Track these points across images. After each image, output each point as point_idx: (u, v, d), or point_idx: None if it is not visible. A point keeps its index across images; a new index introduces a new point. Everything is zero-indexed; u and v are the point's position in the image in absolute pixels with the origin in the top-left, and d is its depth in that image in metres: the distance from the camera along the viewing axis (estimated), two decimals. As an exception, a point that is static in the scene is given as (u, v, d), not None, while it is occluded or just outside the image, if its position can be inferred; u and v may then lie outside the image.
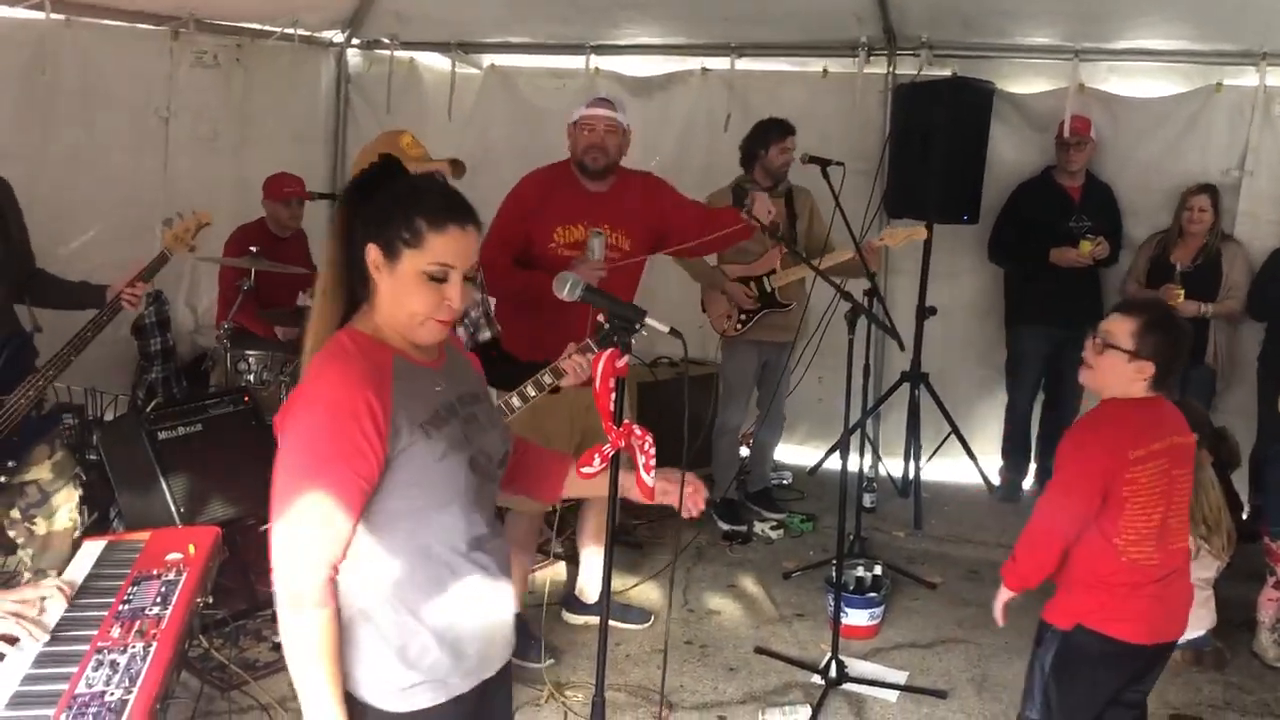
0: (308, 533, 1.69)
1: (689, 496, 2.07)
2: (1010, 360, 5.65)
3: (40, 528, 3.51)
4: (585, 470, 2.06)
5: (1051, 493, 2.68)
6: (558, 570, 4.61)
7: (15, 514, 3.49)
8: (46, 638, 2.13)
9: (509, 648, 2.00)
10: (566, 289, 2.08)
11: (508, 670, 2.02)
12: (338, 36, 6.22)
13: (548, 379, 2.70)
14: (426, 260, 1.73)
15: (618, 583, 4.36)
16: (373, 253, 1.75)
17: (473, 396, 1.95)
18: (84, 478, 3.76)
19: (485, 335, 3.13)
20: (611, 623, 3.99)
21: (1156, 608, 2.64)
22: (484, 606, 1.88)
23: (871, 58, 5.69)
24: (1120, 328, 2.63)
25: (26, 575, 3.40)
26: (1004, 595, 2.81)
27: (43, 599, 2.30)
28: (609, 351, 2.05)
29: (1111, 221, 5.35)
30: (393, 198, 1.76)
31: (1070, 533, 2.61)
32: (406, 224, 1.73)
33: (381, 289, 1.77)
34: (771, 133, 4.89)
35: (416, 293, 1.75)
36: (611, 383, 2.05)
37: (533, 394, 2.76)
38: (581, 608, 4.24)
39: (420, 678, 1.79)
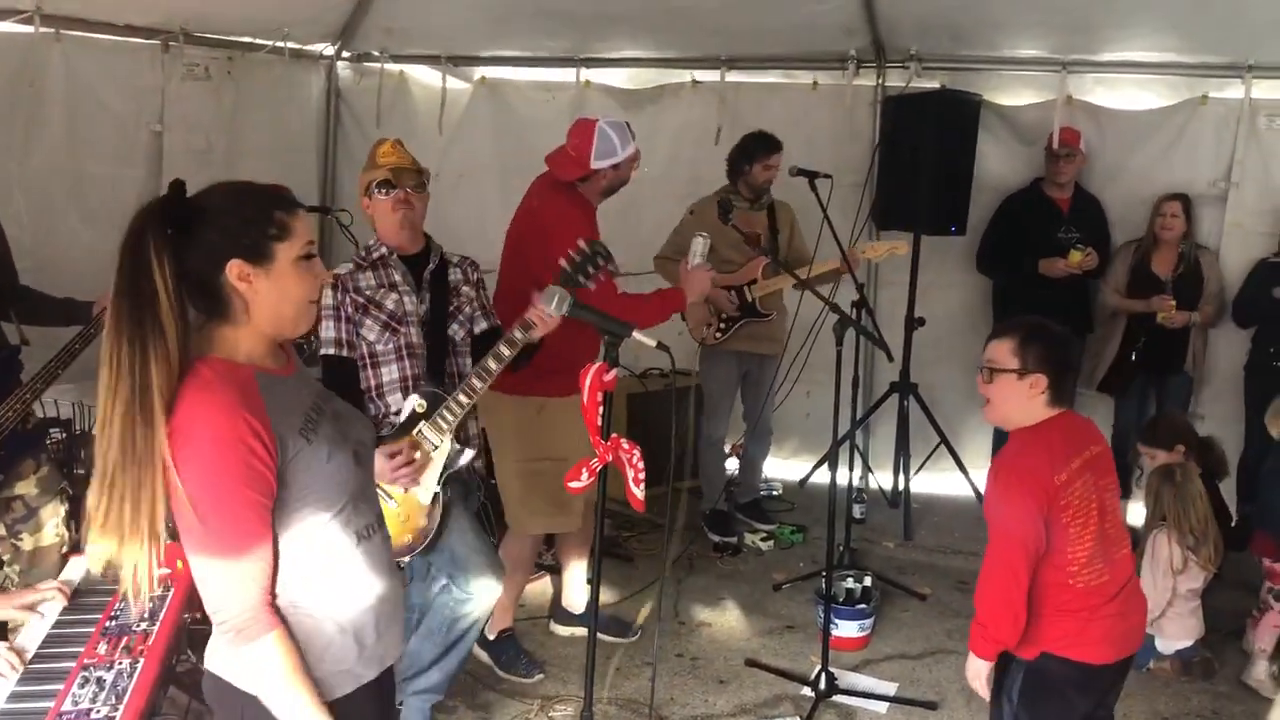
0: (233, 567, 1.68)
1: None
2: None
3: (27, 543, 3.50)
4: (573, 485, 2.07)
5: (996, 548, 2.57)
6: (544, 583, 4.60)
7: (0, 530, 3.48)
8: (22, 669, 2.11)
9: (403, 631, 2.02)
10: (554, 304, 2.08)
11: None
12: (328, 50, 6.22)
13: (518, 334, 2.70)
14: (298, 246, 1.76)
15: (607, 595, 4.36)
16: (236, 268, 1.72)
17: (326, 395, 1.96)
18: (70, 492, 3.74)
19: (482, 326, 3.15)
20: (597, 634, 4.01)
21: (1118, 625, 2.61)
22: (379, 594, 1.89)
23: (861, 70, 5.72)
24: (1000, 350, 2.59)
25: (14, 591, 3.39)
26: (983, 668, 2.65)
27: (43, 600, 2.31)
28: (597, 366, 2.06)
29: (1099, 233, 5.38)
30: (237, 208, 1.75)
31: (1027, 579, 2.52)
32: (268, 222, 1.74)
33: (257, 298, 1.74)
34: (758, 148, 4.90)
35: (300, 279, 1.77)
36: (599, 397, 2.06)
37: (507, 353, 2.75)
38: (569, 619, 4.23)
39: (327, 669, 1.81)
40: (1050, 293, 5.28)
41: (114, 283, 1.65)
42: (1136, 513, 4.54)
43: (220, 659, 1.80)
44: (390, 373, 2.99)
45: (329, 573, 1.81)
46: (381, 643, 1.90)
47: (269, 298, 1.75)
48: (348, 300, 2.99)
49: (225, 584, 1.69)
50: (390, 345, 2.98)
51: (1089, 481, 2.55)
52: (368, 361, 3.00)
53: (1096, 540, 2.56)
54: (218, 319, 1.76)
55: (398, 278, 3.02)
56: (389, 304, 3.00)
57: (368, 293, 3.00)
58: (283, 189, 1.82)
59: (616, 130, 3.64)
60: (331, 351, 2.98)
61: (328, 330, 2.98)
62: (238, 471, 1.66)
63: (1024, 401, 2.57)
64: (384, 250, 3.07)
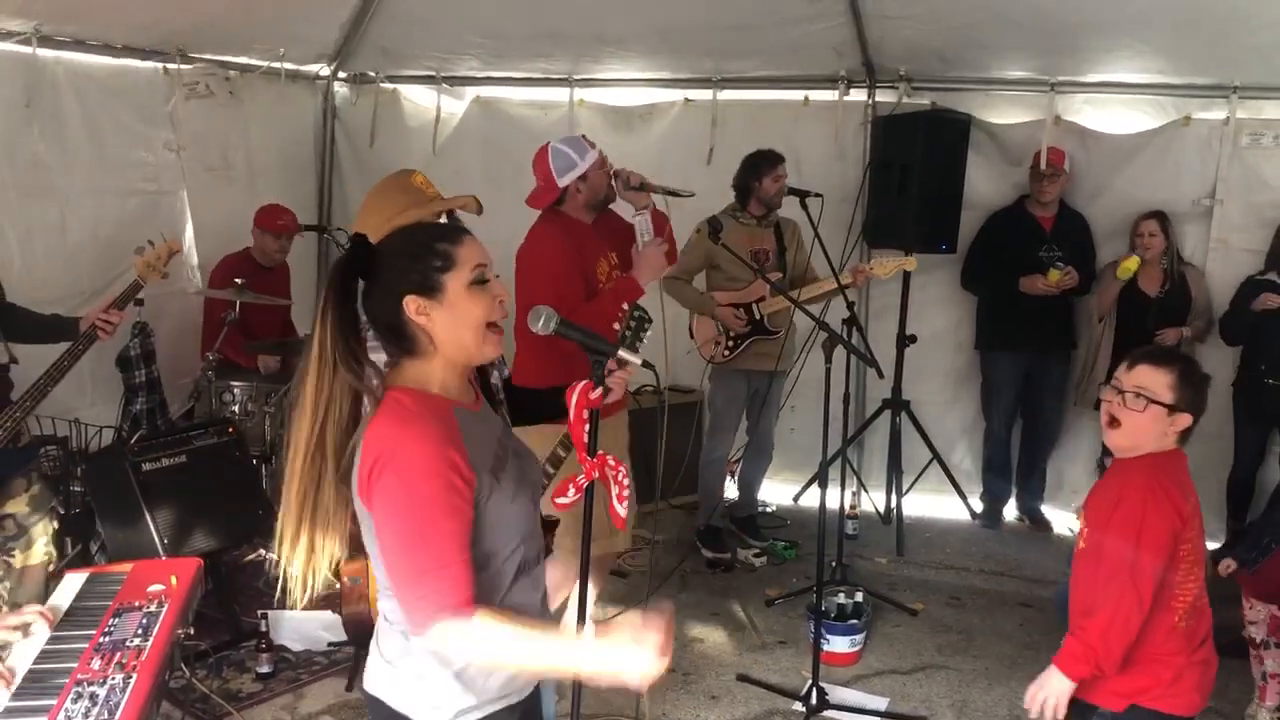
0: (441, 591, 1.70)
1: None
2: (985, 386, 5.72)
3: (17, 560, 3.52)
4: (560, 500, 2.10)
5: (1124, 568, 2.40)
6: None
7: None
8: (18, 683, 2.13)
9: None
10: (540, 323, 2.10)
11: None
12: (324, 70, 6.28)
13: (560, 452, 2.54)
14: (467, 271, 1.80)
15: (601, 612, 4.38)
16: (413, 303, 1.78)
17: (507, 431, 2.00)
18: (61, 511, 3.76)
19: (505, 373, 3.05)
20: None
21: (1206, 674, 2.50)
22: (530, 619, 1.89)
23: (851, 90, 5.78)
24: (1157, 381, 2.47)
25: (4, 609, 3.40)
26: (1067, 688, 2.43)
27: (26, 625, 2.32)
28: (583, 384, 2.09)
29: (1083, 251, 5.43)
30: (404, 248, 1.83)
31: (1150, 604, 2.39)
32: (432, 255, 1.79)
33: (436, 329, 1.80)
34: (763, 163, 4.95)
35: (474, 303, 1.80)
36: (585, 414, 2.09)
37: (563, 455, 2.60)
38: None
39: (476, 699, 1.84)
40: (1033, 310, 5.33)
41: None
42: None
43: (382, 680, 1.86)
44: None
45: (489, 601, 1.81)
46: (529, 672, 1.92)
47: (448, 326, 1.79)
48: None
49: (428, 618, 1.70)
50: None
51: (1198, 524, 2.49)
52: None
53: (1199, 586, 2.48)
54: (410, 355, 1.83)
55: None
56: None
57: None
58: (447, 222, 1.95)
59: (569, 144, 3.66)
60: None
61: None
62: (441, 505, 1.70)
63: (1158, 436, 2.49)
64: None
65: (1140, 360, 2.52)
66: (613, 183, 3.68)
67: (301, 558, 1.80)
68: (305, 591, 1.81)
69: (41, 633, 2.31)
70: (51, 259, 4.74)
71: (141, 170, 5.20)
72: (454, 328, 1.80)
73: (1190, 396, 2.47)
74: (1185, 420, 2.47)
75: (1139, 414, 2.46)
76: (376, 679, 1.89)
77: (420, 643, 1.76)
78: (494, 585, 1.83)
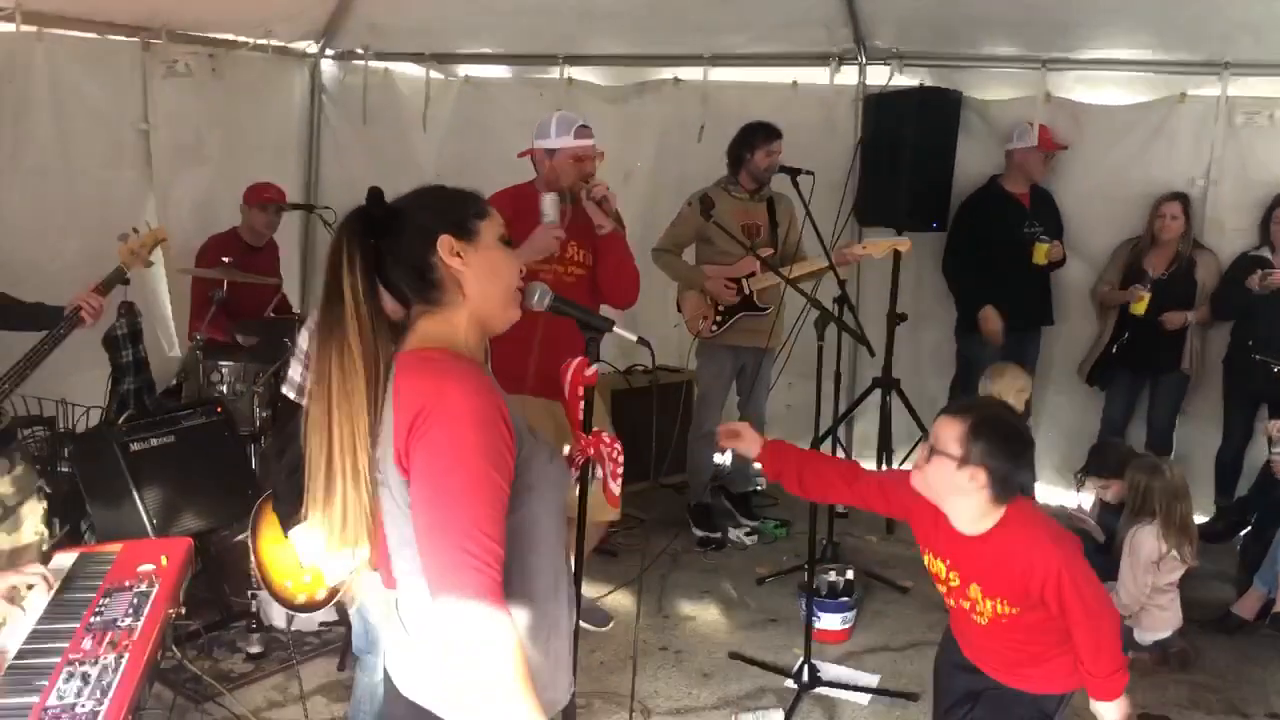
0: (481, 557, 1.57)
1: None
2: (961, 370, 5.63)
3: (5, 543, 3.49)
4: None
5: (1089, 601, 2.36)
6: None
7: None
8: (9, 662, 2.12)
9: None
10: (535, 299, 2.08)
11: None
12: (311, 47, 6.22)
13: None
14: (497, 224, 1.78)
15: (592, 590, 4.38)
16: (447, 243, 1.71)
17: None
18: (48, 490, 3.74)
19: None
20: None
21: None
22: (563, 629, 1.83)
23: (842, 67, 5.75)
24: (947, 430, 2.32)
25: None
26: (1123, 708, 2.39)
27: (28, 586, 2.32)
28: (578, 360, 2.08)
29: (1057, 225, 5.41)
30: (439, 194, 1.80)
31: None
32: (468, 200, 1.78)
33: (469, 276, 1.73)
34: (757, 135, 4.92)
35: (504, 258, 1.79)
36: (580, 391, 2.08)
37: None
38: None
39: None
40: (1017, 291, 5.31)
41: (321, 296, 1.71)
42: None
43: (425, 684, 1.73)
44: None
45: (534, 595, 1.71)
46: (563, 676, 1.84)
47: (480, 273, 1.74)
48: None
49: (469, 576, 1.56)
50: None
51: None
52: None
53: None
54: (436, 305, 1.74)
55: None
56: None
57: None
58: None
59: (560, 118, 3.77)
60: None
61: None
62: (492, 456, 1.59)
63: (959, 490, 2.35)
64: None
65: (944, 410, 2.41)
66: (585, 185, 3.72)
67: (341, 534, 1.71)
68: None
69: (41, 599, 2.30)
70: (50, 243, 4.70)
71: (105, 149, 5.11)
72: (487, 278, 1.75)
73: (984, 449, 2.27)
74: (980, 474, 2.28)
75: (929, 464, 2.34)
76: (421, 676, 1.74)
77: (439, 606, 1.59)
78: (555, 564, 1.74)
